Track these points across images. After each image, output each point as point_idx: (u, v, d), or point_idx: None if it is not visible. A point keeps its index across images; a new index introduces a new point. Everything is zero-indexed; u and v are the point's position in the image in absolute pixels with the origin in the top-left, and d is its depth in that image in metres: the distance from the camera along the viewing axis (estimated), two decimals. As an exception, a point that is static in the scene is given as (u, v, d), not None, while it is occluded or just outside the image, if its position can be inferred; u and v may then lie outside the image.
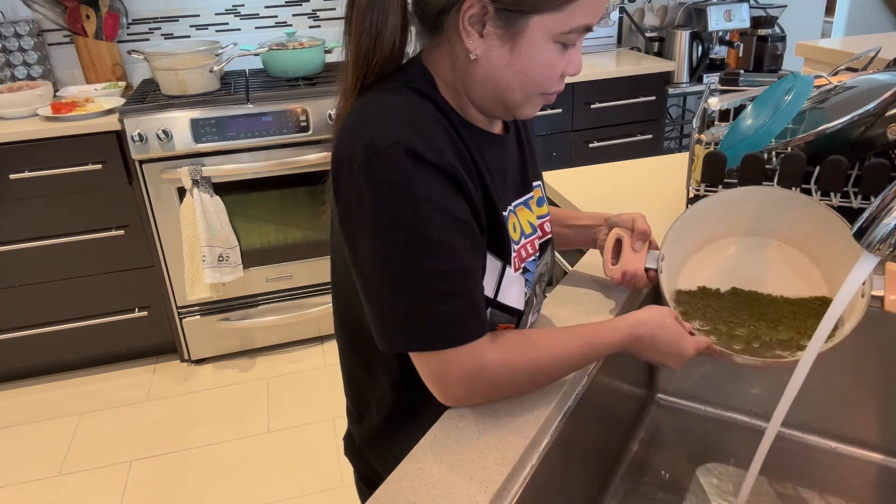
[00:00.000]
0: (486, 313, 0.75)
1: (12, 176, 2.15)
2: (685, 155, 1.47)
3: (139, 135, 2.14)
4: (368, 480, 0.95)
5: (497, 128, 0.82)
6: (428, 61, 0.76)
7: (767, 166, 1.05)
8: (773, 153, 1.13)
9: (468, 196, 0.70)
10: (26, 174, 2.16)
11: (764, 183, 1.02)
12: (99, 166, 2.21)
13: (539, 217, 0.89)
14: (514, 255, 0.80)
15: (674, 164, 1.50)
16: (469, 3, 0.67)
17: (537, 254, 0.87)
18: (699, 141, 1.15)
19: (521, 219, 0.84)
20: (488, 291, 0.77)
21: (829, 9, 3.79)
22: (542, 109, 2.64)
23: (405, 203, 0.66)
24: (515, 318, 0.82)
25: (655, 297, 0.92)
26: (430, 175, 0.67)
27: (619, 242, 0.96)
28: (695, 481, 0.95)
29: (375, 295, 0.70)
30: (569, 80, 2.64)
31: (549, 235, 0.91)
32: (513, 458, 0.69)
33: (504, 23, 0.68)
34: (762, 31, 3.05)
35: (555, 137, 2.75)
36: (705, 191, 1.07)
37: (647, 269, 0.94)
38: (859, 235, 0.62)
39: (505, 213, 0.79)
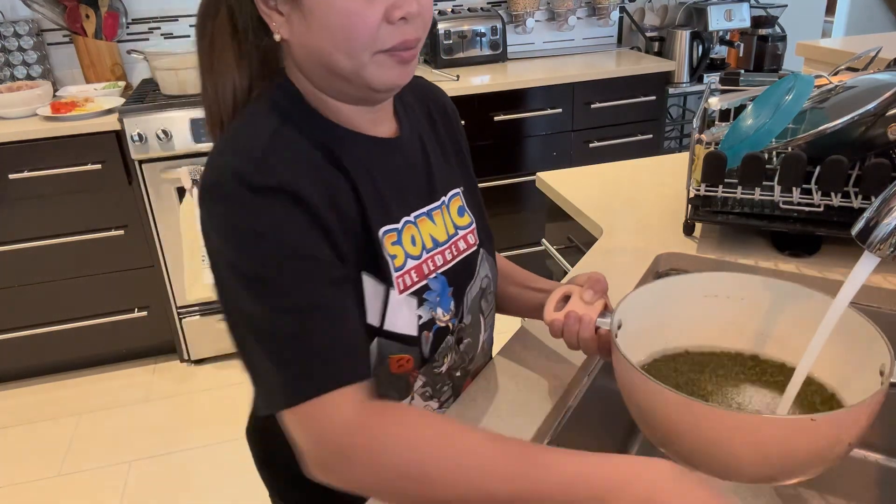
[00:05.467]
0: (356, 353, 0.63)
1: (12, 176, 2.15)
2: (685, 155, 1.46)
3: (139, 135, 2.14)
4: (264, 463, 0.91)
5: (385, 130, 0.73)
6: (287, 71, 0.70)
7: (768, 166, 1.05)
8: (774, 153, 1.13)
9: (315, 214, 0.61)
10: (26, 174, 2.16)
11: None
12: (98, 166, 2.21)
13: (460, 228, 0.78)
14: (398, 274, 0.69)
15: (674, 164, 1.50)
16: None
17: (445, 268, 0.75)
18: (699, 141, 1.15)
19: (423, 231, 0.73)
20: (373, 319, 0.68)
21: (830, 9, 3.79)
22: (542, 109, 2.64)
23: (227, 239, 0.61)
24: (414, 346, 0.71)
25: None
26: (257, 201, 0.59)
27: (565, 299, 0.79)
28: (695, 481, 0.95)
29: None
30: (569, 79, 2.64)
31: (473, 248, 0.80)
32: (513, 458, 0.69)
33: None
34: (762, 31, 3.05)
35: (555, 137, 2.74)
36: (706, 191, 1.07)
37: (597, 328, 0.74)
38: (860, 236, 0.62)
39: (398, 226, 0.70)
